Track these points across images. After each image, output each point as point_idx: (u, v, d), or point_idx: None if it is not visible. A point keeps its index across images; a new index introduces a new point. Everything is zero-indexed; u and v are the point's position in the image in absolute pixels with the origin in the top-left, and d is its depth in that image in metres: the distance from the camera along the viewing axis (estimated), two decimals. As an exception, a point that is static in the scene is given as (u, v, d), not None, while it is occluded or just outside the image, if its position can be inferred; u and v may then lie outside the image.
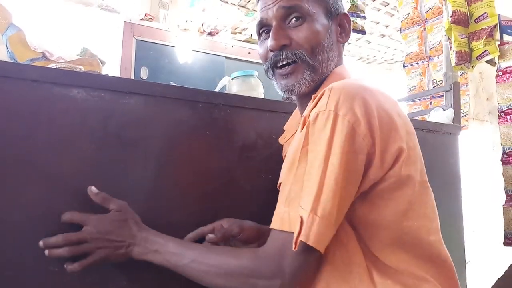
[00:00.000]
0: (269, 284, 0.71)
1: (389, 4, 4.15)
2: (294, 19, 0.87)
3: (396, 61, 5.81)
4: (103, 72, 1.52)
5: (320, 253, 0.69)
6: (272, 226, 0.74)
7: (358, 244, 0.75)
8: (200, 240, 0.96)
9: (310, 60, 0.86)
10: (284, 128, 1.05)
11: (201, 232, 0.97)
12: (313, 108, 0.75)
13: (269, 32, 0.89)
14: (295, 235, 0.68)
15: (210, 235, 0.94)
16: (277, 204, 0.76)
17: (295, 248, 0.68)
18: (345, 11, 0.96)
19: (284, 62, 0.88)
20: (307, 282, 0.77)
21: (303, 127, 0.75)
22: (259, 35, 0.94)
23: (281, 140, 1.04)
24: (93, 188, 0.86)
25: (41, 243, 0.80)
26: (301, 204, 0.70)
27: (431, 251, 0.77)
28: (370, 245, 0.75)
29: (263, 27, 0.92)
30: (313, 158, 0.71)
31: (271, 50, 0.88)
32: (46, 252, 0.80)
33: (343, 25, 0.95)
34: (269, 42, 0.88)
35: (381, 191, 0.74)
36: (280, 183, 0.82)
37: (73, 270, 0.81)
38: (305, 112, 0.77)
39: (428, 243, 0.77)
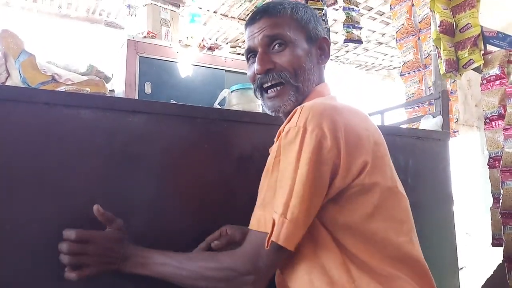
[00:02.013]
0: (244, 280, 0.80)
1: (384, 13, 4.26)
2: (277, 45, 0.96)
3: (394, 67, 5.89)
4: (109, 88, 1.60)
5: (290, 251, 0.78)
6: (250, 227, 0.83)
7: (333, 242, 0.82)
8: (209, 247, 1.03)
9: (293, 81, 0.95)
10: (275, 139, 1.13)
11: (210, 240, 1.04)
12: (287, 124, 0.84)
13: (256, 57, 0.98)
14: (267, 236, 0.77)
15: (216, 242, 1.02)
16: (255, 208, 0.85)
17: (267, 247, 0.77)
18: (324, 35, 1.04)
19: (269, 84, 0.97)
20: (294, 280, 0.85)
21: (277, 139, 0.85)
22: (247, 60, 1.04)
23: (270, 150, 1.12)
24: (100, 208, 0.91)
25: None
26: (274, 208, 0.79)
27: (401, 251, 0.84)
28: (345, 244, 0.82)
29: (250, 53, 1.01)
30: (284, 167, 0.80)
31: (257, 74, 0.97)
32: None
33: (322, 48, 1.03)
34: (256, 66, 0.97)
35: (348, 197, 0.82)
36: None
37: (70, 278, 0.87)
38: (280, 127, 0.86)
39: (397, 243, 0.84)
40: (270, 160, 0.85)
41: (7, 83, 1.20)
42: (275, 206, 0.79)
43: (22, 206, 0.90)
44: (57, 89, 1.16)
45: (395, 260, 0.83)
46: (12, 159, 0.91)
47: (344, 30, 2.38)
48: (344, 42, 2.45)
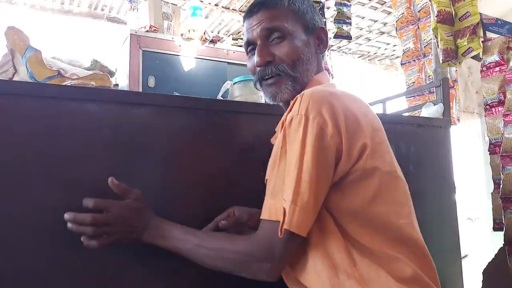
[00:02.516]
0: (261, 267, 0.83)
1: (385, 2, 4.25)
2: (276, 37, 0.98)
3: (397, 57, 5.88)
4: (114, 82, 1.63)
5: (303, 237, 0.81)
6: (261, 216, 0.85)
7: (336, 228, 0.85)
8: (217, 228, 1.06)
9: (291, 72, 0.98)
10: (276, 129, 1.15)
11: (218, 220, 1.07)
12: (288, 112, 0.86)
13: (255, 49, 1.00)
14: (280, 224, 0.80)
15: (223, 222, 1.05)
16: (265, 198, 0.87)
17: (281, 235, 0.79)
18: (322, 25, 1.06)
19: (269, 76, 0.99)
20: (298, 263, 0.88)
21: (282, 129, 0.87)
22: (247, 52, 1.06)
23: (272, 140, 1.14)
24: (114, 180, 0.93)
25: (66, 215, 0.89)
26: (284, 196, 0.81)
27: (402, 233, 0.87)
28: (347, 229, 0.85)
29: (250, 45, 1.04)
30: (290, 156, 0.83)
31: (257, 66, 1.00)
32: (69, 225, 0.89)
33: (320, 38, 1.05)
34: (255, 59, 0.99)
35: (350, 182, 0.85)
36: (267, 179, 0.93)
37: (90, 246, 0.90)
38: (283, 116, 0.89)
39: (398, 226, 0.87)
40: (276, 150, 0.87)
41: (14, 79, 1.22)
42: (285, 194, 0.81)
43: (31, 196, 0.93)
44: (63, 84, 1.19)
45: (395, 242, 0.85)
46: (22, 151, 0.93)
47: (335, 25, 2.41)
48: (334, 38, 2.48)
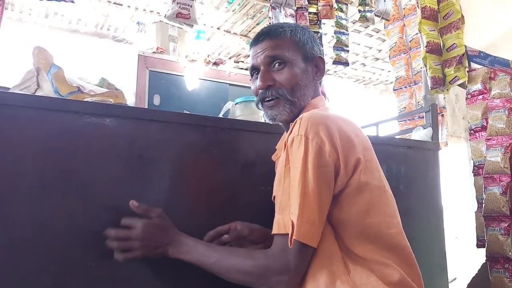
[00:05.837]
0: (280, 279, 0.89)
1: (380, 30, 4.42)
2: (277, 64, 1.09)
3: (391, 82, 6.01)
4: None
5: (313, 248, 0.89)
6: (273, 232, 0.94)
7: (334, 238, 0.93)
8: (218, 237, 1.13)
9: (290, 97, 1.07)
10: (276, 147, 1.25)
11: (220, 230, 1.14)
12: (290, 134, 0.96)
13: (258, 74, 1.11)
14: (289, 236, 0.87)
15: (225, 236, 1.12)
16: (275, 214, 0.96)
17: (290, 245, 0.87)
18: (320, 55, 1.17)
19: (269, 98, 1.09)
20: None
21: (285, 149, 0.96)
22: (251, 75, 1.16)
23: (273, 157, 1.24)
24: (135, 202, 1.02)
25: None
26: (291, 210, 0.89)
27: (392, 241, 0.95)
28: (343, 239, 0.93)
29: (254, 70, 1.14)
30: (294, 174, 0.91)
31: (259, 89, 1.10)
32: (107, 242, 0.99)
33: (318, 66, 1.15)
34: (258, 83, 1.10)
35: (346, 196, 0.94)
36: (274, 196, 1.01)
37: (117, 259, 0.99)
38: (286, 137, 0.98)
39: (388, 235, 0.95)
40: (281, 168, 0.96)
41: (37, 94, 1.32)
42: (292, 208, 0.89)
43: (53, 202, 1.01)
44: (83, 100, 1.28)
45: (385, 249, 0.93)
46: (46, 161, 1.02)
47: (334, 52, 2.54)
48: (333, 64, 2.61)
